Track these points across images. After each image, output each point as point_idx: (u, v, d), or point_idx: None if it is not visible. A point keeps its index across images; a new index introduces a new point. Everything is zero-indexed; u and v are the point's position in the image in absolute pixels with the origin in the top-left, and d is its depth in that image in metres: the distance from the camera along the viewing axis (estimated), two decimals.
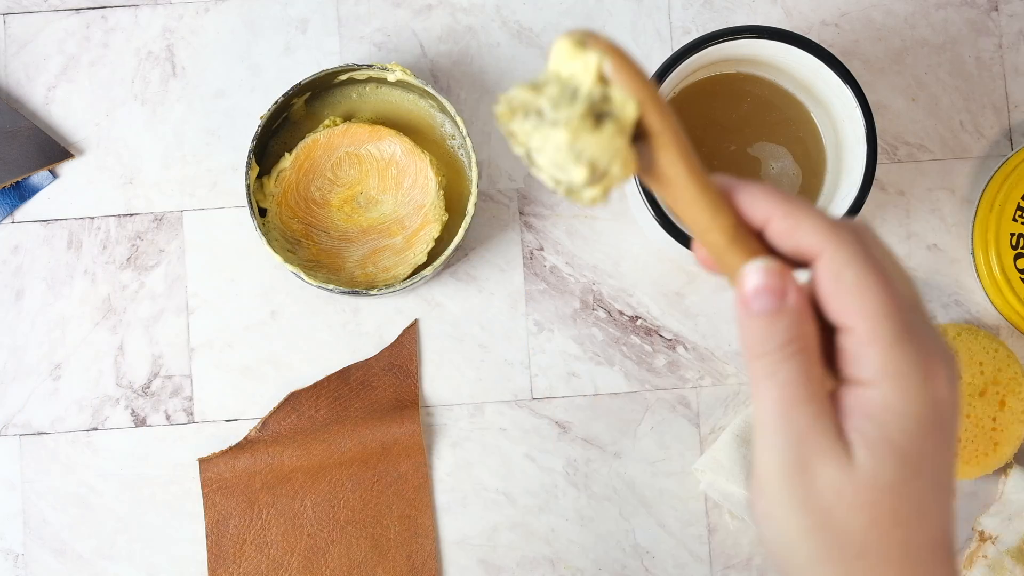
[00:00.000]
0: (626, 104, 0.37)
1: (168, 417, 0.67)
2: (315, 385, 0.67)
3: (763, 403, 0.37)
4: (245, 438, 0.67)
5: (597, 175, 0.37)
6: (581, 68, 0.36)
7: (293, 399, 0.67)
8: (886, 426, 0.37)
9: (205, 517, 0.66)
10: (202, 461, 0.66)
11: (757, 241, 0.39)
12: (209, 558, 0.66)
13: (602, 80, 0.37)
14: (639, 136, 0.38)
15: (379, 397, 0.67)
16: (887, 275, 0.37)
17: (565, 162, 0.37)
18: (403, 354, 0.67)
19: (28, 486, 0.67)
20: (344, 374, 0.67)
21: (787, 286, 0.37)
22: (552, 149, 0.37)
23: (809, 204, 0.38)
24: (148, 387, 0.67)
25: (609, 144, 0.36)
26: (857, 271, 0.37)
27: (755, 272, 0.37)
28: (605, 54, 0.36)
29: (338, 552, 0.66)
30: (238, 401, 0.67)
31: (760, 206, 0.38)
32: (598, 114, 0.36)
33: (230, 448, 0.66)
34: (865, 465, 0.36)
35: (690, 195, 0.38)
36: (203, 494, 0.66)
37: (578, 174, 0.36)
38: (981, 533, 0.66)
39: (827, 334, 0.38)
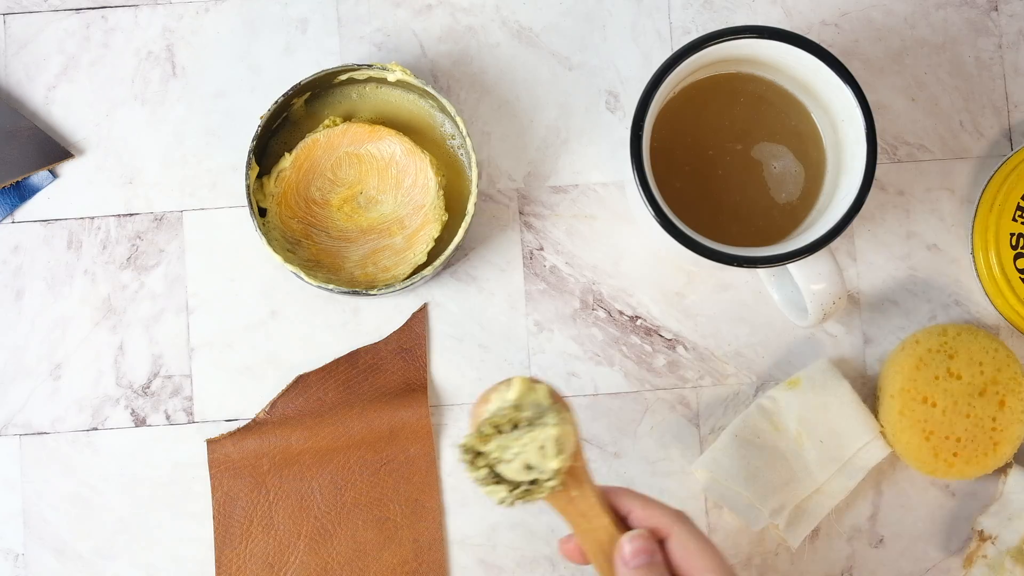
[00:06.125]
0: (570, 412, 0.53)
1: (168, 417, 0.67)
2: (323, 368, 0.67)
3: None
4: (253, 420, 0.67)
5: (566, 465, 0.52)
6: (542, 395, 0.52)
7: (302, 381, 0.67)
8: None
9: (212, 498, 0.66)
10: (209, 442, 0.66)
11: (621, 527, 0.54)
12: (216, 539, 0.66)
13: (553, 399, 0.53)
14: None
15: (387, 380, 0.67)
16: (713, 545, 0.53)
17: (544, 459, 0.51)
18: (412, 337, 0.67)
19: (28, 486, 0.67)
20: (353, 357, 0.67)
21: (654, 547, 0.53)
22: (534, 451, 0.51)
23: (653, 499, 0.55)
24: (148, 387, 0.67)
25: (574, 436, 0.52)
26: (698, 541, 0.53)
27: (631, 540, 0.53)
28: (548, 386, 0.53)
29: (345, 534, 0.66)
30: (238, 401, 0.67)
31: (624, 502, 0.54)
32: (562, 417, 0.52)
33: (238, 430, 0.66)
34: None
35: (594, 495, 0.53)
36: (210, 475, 0.66)
37: (558, 463, 0.51)
38: (980, 533, 0.66)
39: None
